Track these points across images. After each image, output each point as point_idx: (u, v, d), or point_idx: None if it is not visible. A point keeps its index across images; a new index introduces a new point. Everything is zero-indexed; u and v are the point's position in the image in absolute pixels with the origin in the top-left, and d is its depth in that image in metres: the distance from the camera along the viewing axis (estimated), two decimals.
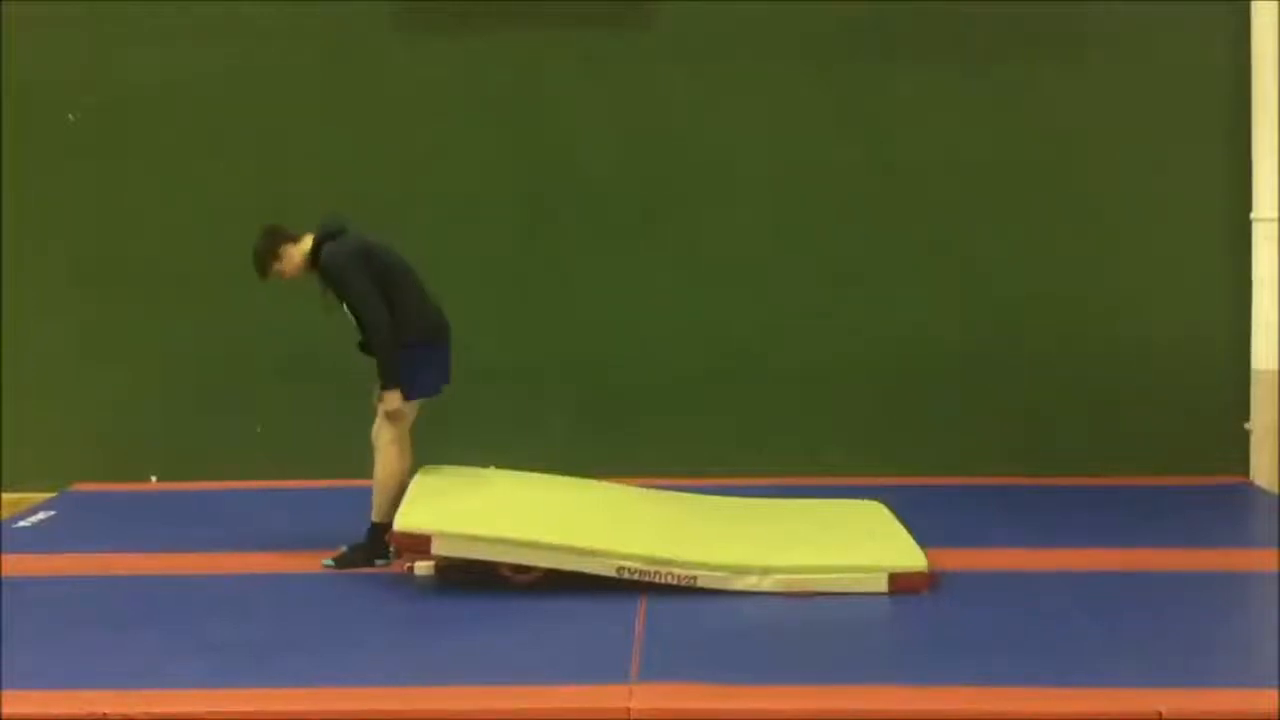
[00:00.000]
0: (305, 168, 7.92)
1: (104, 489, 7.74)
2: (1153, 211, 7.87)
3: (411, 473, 6.15)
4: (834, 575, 5.58)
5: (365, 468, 7.45)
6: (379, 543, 6.07)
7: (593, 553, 5.58)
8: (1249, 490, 7.58)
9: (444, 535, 5.61)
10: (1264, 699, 4.36)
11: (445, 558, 5.75)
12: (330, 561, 6.06)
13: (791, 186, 7.92)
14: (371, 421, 6.18)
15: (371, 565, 6.06)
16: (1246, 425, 7.78)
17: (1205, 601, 5.54)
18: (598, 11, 7.80)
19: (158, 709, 4.40)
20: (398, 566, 6.00)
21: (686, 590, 5.53)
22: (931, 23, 7.78)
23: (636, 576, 5.54)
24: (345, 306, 6.05)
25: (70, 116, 7.93)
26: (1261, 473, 7.69)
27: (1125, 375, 7.89)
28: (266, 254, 6.08)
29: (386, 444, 6.05)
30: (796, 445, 7.83)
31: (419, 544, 5.65)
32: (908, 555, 5.75)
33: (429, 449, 6.37)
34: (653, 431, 7.86)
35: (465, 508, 5.91)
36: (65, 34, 7.90)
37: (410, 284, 6.10)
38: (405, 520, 5.68)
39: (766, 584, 5.55)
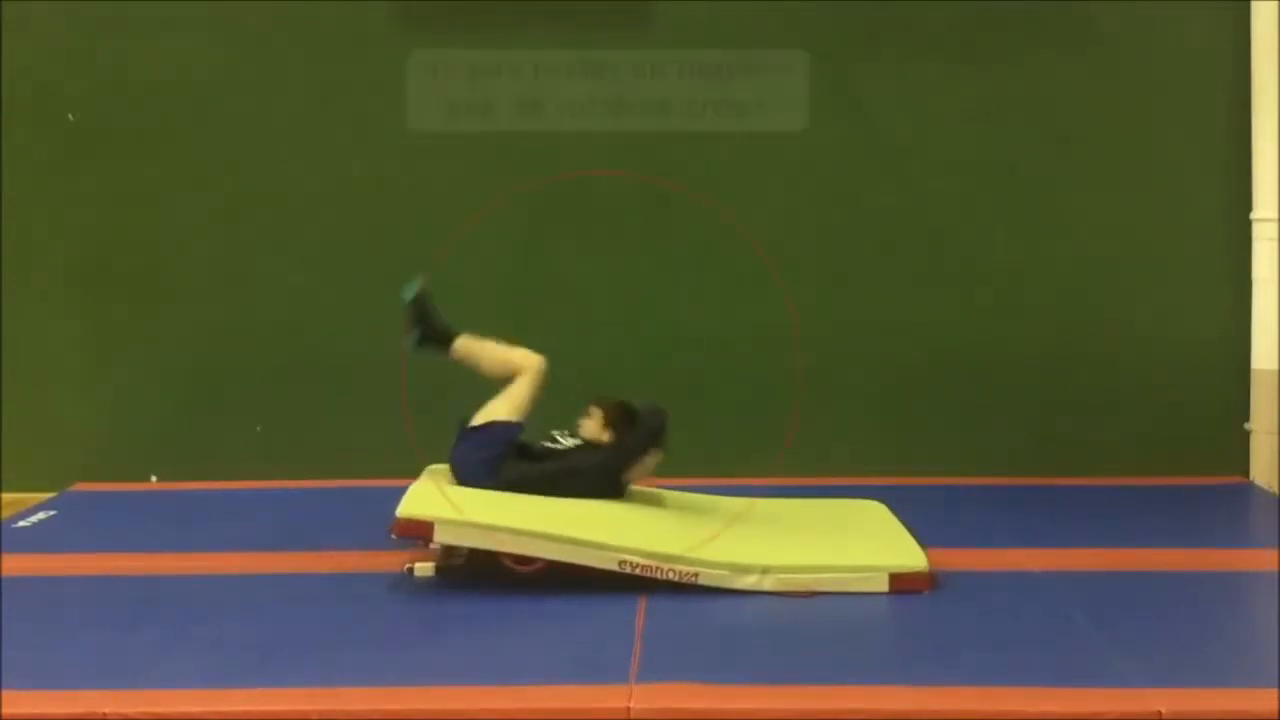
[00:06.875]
0: (306, 168, 7.92)
1: (104, 489, 7.73)
2: (1152, 211, 7.87)
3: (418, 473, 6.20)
4: (834, 575, 5.57)
5: (365, 468, 7.47)
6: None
7: (595, 545, 5.57)
8: (1249, 490, 7.58)
9: (446, 523, 5.60)
10: (1264, 699, 4.36)
11: (445, 554, 5.76)
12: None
13: (791, 186, 7.92)
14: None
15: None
16: (1246, 425, 7.78)
17: (1205, 601, 5.53)
18: (598, 11, 7.80)
19: (158, 709, 4.39)
20: (413, 560, 5.94)
21: (687, 590, 5.53)
22: (931, 21, 7.78)
23: (638, 571, 5.54)
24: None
25: (70, 116, 7.92)
26: (1261, 473, 7.68)
27: (1125, 375, 7.89)
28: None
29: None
30: (796, 445, 7.83)
31: (421, 531, 5.62)
32: (908, 555, 5.75)
33: (432, 449, 6.39)
34: None
35: (468, 500, 5.90)
36: (66, 33, 7.89)
37: None
38: (407, 509, 5.66)
39: (767, 583, 5.55)
